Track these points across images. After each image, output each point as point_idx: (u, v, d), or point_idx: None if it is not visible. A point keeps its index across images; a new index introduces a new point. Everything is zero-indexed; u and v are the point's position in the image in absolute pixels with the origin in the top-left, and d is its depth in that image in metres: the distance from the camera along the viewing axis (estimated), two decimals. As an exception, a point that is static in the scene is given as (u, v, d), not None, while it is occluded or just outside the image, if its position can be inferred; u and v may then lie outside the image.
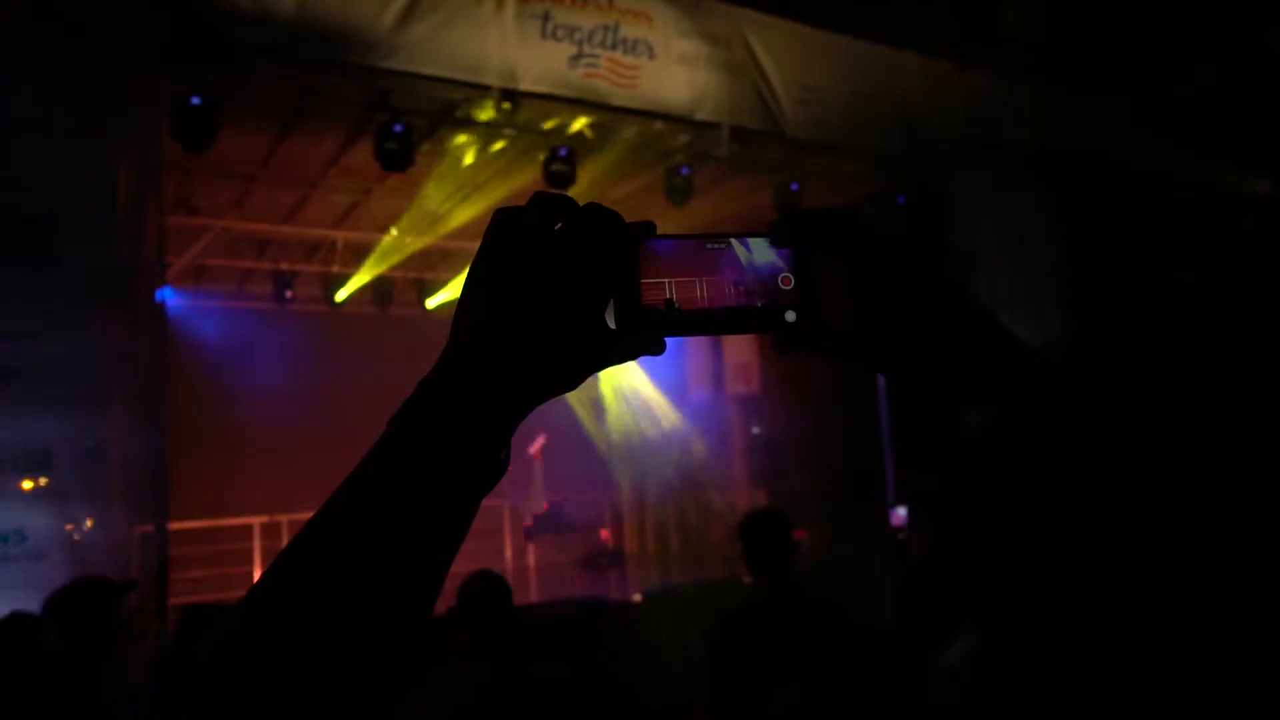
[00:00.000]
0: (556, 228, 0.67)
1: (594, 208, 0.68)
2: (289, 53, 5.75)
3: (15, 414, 4.69)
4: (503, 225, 0.67)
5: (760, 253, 0.72)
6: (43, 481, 4.75)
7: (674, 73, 6.94)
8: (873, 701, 1.65)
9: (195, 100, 5.72)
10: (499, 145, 7.34)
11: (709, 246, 0.72)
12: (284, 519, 9.88)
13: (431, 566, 0.63)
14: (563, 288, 0.66)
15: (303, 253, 10.54)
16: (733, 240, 0.73)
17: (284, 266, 10.51)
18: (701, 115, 7.05)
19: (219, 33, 5.45)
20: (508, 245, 0.66)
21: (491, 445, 0.65)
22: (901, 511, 8.34)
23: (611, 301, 0.69)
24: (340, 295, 10.72)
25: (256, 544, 9.83)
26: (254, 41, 5.58)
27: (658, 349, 0.69)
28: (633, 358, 0.70)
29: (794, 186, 7.94)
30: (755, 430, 11.13)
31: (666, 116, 7.00)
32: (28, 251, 4.79)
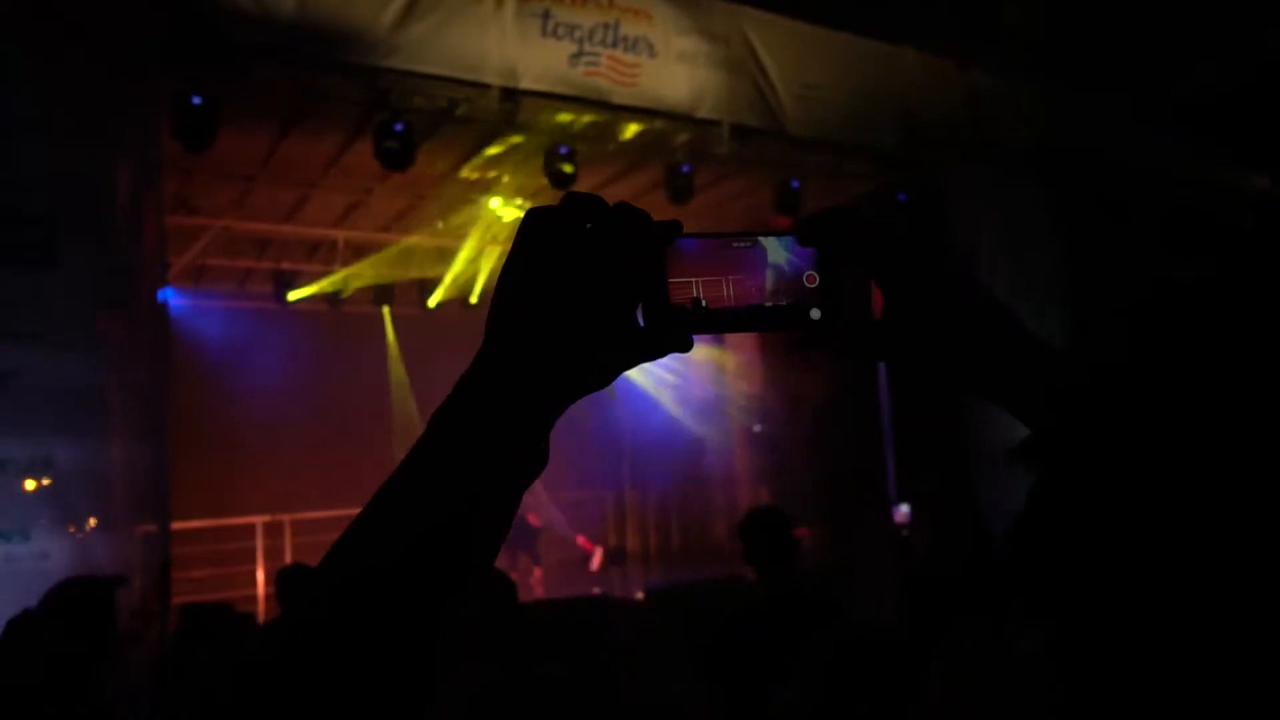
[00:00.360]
0: (587, 227, 0.68)
1: (623, 207, 0.69)
2: (289, 52, 5.75)
3: (17, 414, 4.70)
4: (535, 225, 0.68)
5: (785, 251, 0.73)
6: (45, 481, 4.76)
7: (674, 71, 6.94)
8: (873, 701, 1.65)
9: (196, 100, 5.72)
10: (498, 146, 7.34)
11: (735, 245, 0.73)
12: (286, 518, 9.89)
13: (476, 561, 0.65)
14: (594, 286, 0.67)
15: (303, 252, 10.54)
16: (759, 239, 0.74)
17: (285, 266, 10.52)
18: (702, 113, 7.05)
19: (219, 33, 5.46)
20: (540, 245, 0.68)
21: (530, 442, 0.66)
22: (904, 509, 8.34)
23: (640, 300, 0.70)
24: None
25: (259, 543, 9.83)
26: (254, 41, 5.58)
27: (685, 346, 0.71)
28: (661, 355, 0.71)
29: (794, 184, 7.94)
30: (757, 429, 11.13)
31: (667, 114, 7.00)
32: (27, 251, 4.79)
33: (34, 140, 4.85)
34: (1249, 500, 0.64)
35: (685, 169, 7.44)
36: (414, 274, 10.55)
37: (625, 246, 0.68)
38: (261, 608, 8.94)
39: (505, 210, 8.92)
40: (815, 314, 0.73)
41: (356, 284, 10.40)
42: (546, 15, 6.46)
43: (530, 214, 0.69)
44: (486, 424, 0.65)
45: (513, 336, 0.67)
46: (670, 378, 11.30)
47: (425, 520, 0.63)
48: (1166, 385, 0.67)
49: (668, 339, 0.71)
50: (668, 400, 11.36)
